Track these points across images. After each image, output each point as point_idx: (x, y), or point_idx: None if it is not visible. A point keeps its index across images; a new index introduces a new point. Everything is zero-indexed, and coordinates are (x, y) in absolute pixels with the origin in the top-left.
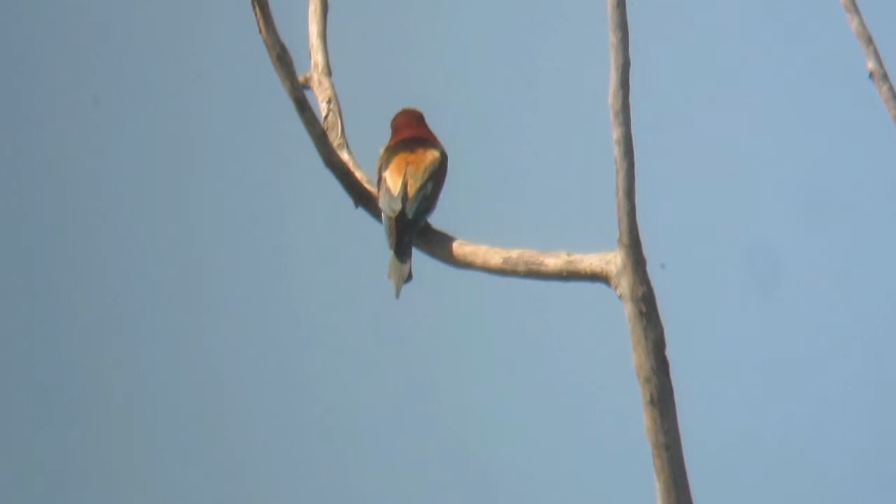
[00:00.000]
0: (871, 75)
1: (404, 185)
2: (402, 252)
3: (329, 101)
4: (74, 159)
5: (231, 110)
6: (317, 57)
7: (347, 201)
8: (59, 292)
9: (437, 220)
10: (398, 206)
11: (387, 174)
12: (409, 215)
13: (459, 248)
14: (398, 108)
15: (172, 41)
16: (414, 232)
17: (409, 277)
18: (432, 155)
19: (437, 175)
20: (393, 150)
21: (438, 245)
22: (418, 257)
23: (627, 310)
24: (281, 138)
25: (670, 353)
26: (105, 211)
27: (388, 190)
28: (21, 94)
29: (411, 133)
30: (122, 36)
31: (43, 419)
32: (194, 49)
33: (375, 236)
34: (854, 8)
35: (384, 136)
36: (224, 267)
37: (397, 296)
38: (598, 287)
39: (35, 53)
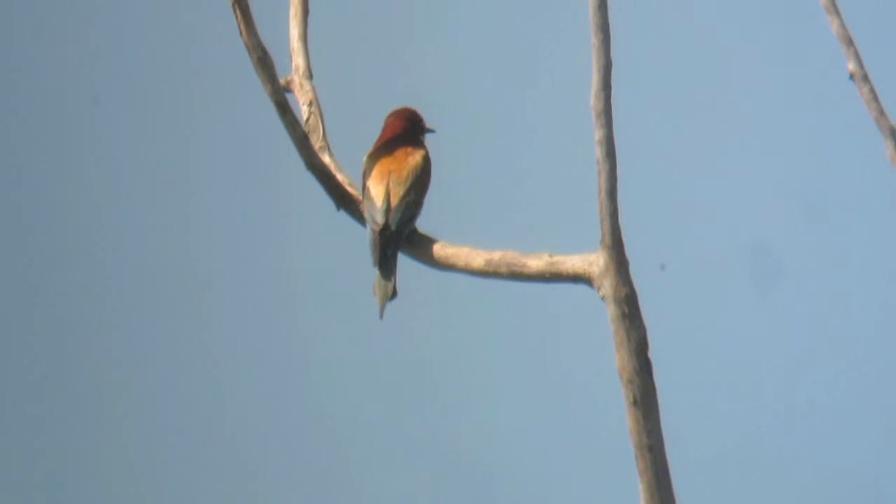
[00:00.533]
0: (851, 77)
1: (387, 196)
2: (385, 268)
3: (310, 104)
4: (74, 159)
5: (212, 113)
6: (298, 60)
7: (330, 204)
8: (58, 291)
9: (419, 221)
10: (381, 219)
11: (370, 184)
12: (393, 227)
13: (442, 250)
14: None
15: (170, 42)
16: (399, 244)
17: (394, 295)
18: (414, 160)
19: (421, 180)
20: (375, 156)
21: (421, 247)
22: (401, 260)
23: (610, 311)
24: (262, 142)
25: (653, 354)
26: (104, 210)
27: (371, 201)
28: (21, 94)
29: (393, 134)
30: (122, 36)
31: (43, 419)
32: (193, 50)
33: (358, 239)
34: (834, 9)
35: (366, 139)
36: (215, 268)
37: (381, 315)
38: (581, 288)
39: (35, 53)
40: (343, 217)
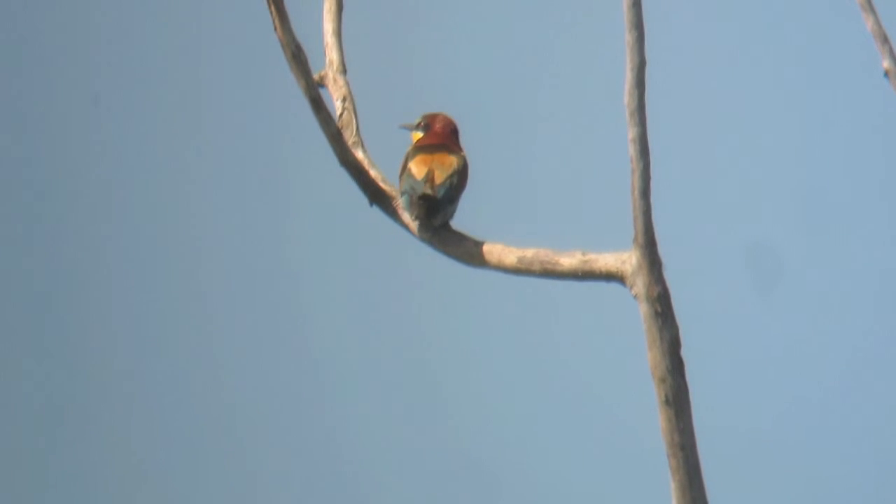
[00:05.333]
0: (886, 74)
1: (430, 172)
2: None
3: (344, 100)
4: (74, 159)
5: (246, 108)
6: (332, 55)
7: (362, 200)
8: (59, 292)
9: (453, 220)
10: (421, 189)
11: (412, 164)
12: (438, 195)
13: (474, 247)
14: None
15: (183, 39)
16: (439, 211)
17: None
18: (457, 159)
19: (461, 175)
20: (418, 149)
21: (453, 244)
22: (434, 256)
23: (643, 310)
24: (296, 137)
25: (685, 352)
26: (106, 210)
27: (411, 175)
28: (21, 94)
29: (438, 139)
30: (122, 36)
31: (43, 420)
32: (206, 47)
33: (389, 235)
34: (870, 7)
35: (399, 135)
36: (235, 266)
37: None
38: (614, 287)
39: (35, 53)
40: (376, 212)
